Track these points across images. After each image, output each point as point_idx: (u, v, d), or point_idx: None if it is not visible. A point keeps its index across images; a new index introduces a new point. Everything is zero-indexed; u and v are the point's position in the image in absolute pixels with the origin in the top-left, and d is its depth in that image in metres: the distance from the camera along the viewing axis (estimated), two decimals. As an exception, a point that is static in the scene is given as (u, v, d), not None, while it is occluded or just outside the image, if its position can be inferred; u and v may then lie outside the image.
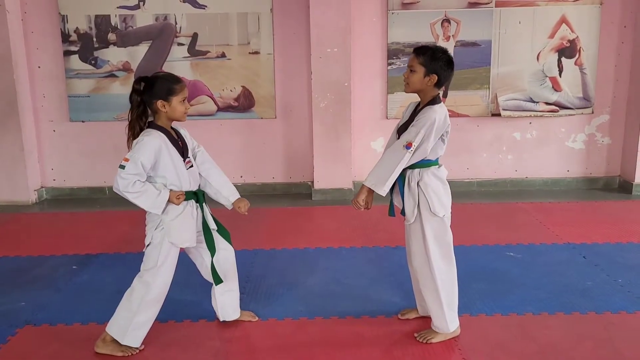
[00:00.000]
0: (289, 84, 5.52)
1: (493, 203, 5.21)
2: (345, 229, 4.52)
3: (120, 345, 2.69)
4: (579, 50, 5.41)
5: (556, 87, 5.47)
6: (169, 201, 2.57)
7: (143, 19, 5.35)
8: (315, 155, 5.41)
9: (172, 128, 2.67)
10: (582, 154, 5.68)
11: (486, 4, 5.32)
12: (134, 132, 2.58)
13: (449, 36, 5.40)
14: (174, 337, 2.88)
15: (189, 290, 3.38)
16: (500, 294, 3.25)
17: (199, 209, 2.72)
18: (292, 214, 5.01)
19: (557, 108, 5.51)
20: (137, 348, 2.72)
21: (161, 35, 5.37)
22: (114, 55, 5.42)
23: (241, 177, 5.64)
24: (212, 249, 2.76)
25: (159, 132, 2.58)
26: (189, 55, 5.41)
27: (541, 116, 5.52)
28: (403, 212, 2.72)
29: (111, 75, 5.44)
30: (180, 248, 2.71)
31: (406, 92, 2.70)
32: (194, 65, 5.44)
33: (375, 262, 3.82)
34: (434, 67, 2.58)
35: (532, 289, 3.30)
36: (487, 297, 3.21)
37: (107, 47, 5.40)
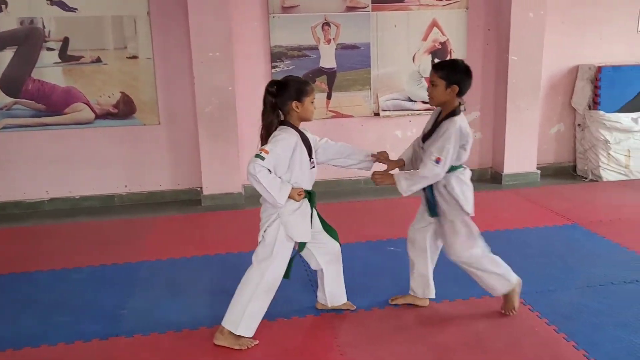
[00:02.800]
0: (172, 89, 5.40)
1: (379, 199, 5.43)
2: (234, 235, 4.50)
3: (237, 337, 2.80)
4: (450, 52, 5.78)
5: (431, 87, 5.80)
6: (290, 197, 2.70)
7: (6, 22, 4.98)
8: (202, 160, 5.34)
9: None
10: (458, 149, 6.07)
11: (363, 8, 5.53)
12: (270, 131, 2.77)
13: (330, 39, 5.54)
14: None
15: (65, 310, 3.23)
16: (380, 289, 3.40)
17: (311, 208, 2.85)
18: (180, 222, 4.91)
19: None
20: (252, 340, 2.82)
21: (27, 40, 5.03)
22: (-26, 62, 5.01)
23: (125, 186, 5.42)
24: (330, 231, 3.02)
25: (294, 130, 2.77)
26: (60, 60, 5.12)
27: (419, 114, 5.83)
28: (432, 214, 2.96)
29: (-27, 83, 5.03)
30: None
31: (431, 105, 2.94)
32: (67, 71, 5.15)
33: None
34: (454, 79, 2.78)
35: (408, 281, 3.47)
36: (368, 292, 3.36)
37: (-34, 53, 4.99)
